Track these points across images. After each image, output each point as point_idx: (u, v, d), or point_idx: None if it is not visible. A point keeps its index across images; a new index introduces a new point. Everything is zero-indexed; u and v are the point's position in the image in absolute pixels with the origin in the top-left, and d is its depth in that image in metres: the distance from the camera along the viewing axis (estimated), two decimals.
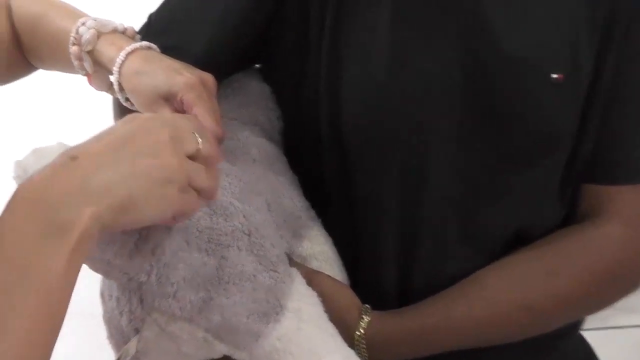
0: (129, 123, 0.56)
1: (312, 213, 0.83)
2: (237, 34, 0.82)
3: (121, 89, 0.76)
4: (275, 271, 0.70)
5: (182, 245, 0.65)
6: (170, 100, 0.73)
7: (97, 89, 0.81)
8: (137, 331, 0.67)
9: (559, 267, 0.80)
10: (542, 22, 0.77)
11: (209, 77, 0.75)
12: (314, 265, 0.81)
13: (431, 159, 0.79)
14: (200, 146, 0.59)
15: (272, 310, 0.67)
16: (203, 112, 0.72)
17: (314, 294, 0.73)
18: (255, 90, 0.88)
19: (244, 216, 0.70)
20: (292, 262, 0.77)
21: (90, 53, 0.78)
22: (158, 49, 0.79)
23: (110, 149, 0.54)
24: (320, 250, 0.81)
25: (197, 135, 0.59)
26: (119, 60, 0.75)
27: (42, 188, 0.50)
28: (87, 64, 0.78)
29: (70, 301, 0.50)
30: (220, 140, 0.73)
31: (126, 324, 0.67)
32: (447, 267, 0.82)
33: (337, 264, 0.83)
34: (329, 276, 0.79)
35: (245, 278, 0.67)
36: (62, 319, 0.49)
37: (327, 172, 0.83)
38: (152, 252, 0.64)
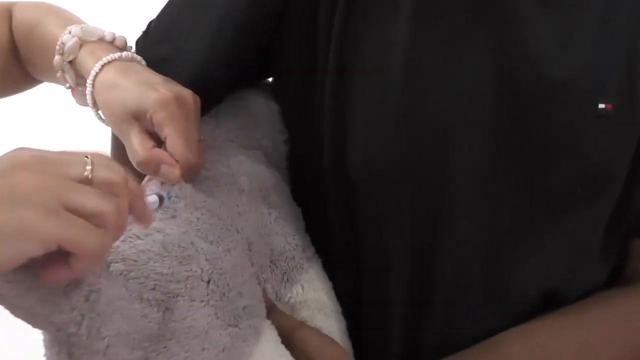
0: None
1: (310, 253, 0.73)
2: (235, 45, 0.72)
3: (95, 103, 0.68)
4: (236, 326, 0.60)
5: (121, 293, 0.56)
6: (140, 119, 0.64)
7: (79, 104, 0.73)
8: None
9: (597, 342, 0.65)
10: (590, 44, 0.64)
11: (188, 95, 0.66)
12: (304, 314, 0.70)
13: (451, 200, 0.66)
14: (89, 173, 0.49)
15: None
16: (172, 134, 0.63)
17: (285, 354, 0.63)
18: (261, 109, 0.78)
19: (206, 259, 0.61)
20: (272, 312, 0.66)
21: (72, 63, 0.71)
22: (142, 61, 0.70)
23: None
24: (313, 297, 0.71)
25: (90, 161, 0.49)
26: (93, 71, 0.67)
27: None
28: (69, 76, 0.71)
29: None
30: (192, 167, 0.64)
31: None
32: (464, 327, 0.69)
33: (334, 313, 0.72)
34: (316, 331, 0.68)
35: (193, 335, 0.57)
36: None
37: (329, 208, 0.72)
38: (85, 298, 0.55)
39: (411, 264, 0.68)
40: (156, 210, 0.61)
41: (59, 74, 0.71)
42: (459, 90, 0.65)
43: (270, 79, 0.80)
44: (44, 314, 0.54)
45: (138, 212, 0.55)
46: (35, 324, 0.55)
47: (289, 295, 0.70)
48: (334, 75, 0.68)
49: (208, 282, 0.60)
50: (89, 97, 0.68)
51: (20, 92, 0.86)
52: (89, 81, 0.67)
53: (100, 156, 0.51)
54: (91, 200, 0.48)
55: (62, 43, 0.70)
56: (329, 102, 0.68)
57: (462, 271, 0.68)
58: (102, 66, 0.67)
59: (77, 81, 0.72)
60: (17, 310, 0.54)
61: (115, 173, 0.51)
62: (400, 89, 0.65)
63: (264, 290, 0.68)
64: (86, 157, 0.49)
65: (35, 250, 0.46)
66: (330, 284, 0.73)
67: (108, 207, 0.48)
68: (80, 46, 0.70)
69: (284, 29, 0.71)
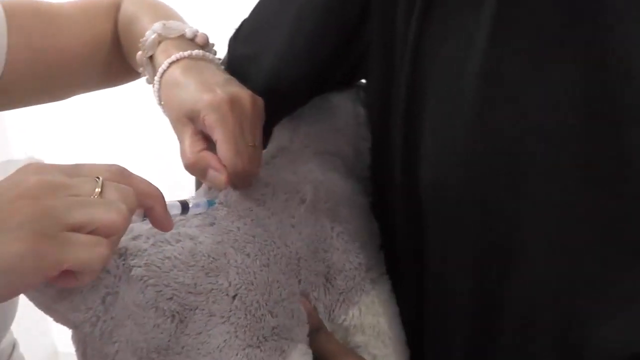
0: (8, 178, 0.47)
1: (376, 274, 0.67)
2: (315, 37, 0.67)
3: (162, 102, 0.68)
4: (257, 347, 0.56)
5: (138, 299, 0.54)
6: (195, 120, 0.62)
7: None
8: None
9: None
10: None
11: (245, 97, 0.62)
12: (358, 340, 0.64)
13: (524, 235, 0.57)
14: (99, 189, 0.47)
15: None
16: (222, 137, 0.60)
17: None
18: (346, 114, 0.73)
19: (237, 273, 0.57)
20: (318, 333, 0.61)
21: (151, 59, 0.70)
22: (215, 60, 0.68)
23: None
24: (371, 322, 0.65)
25: (100, 182, 0.48)
26: (161, 69, 0.67)
27: None
28: (147, 71, 0.71)
29: None
30: (241, 173, 0.61)
31: None
32: None
33: (393, 342, 0.65)
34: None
35: (206, 351, 0.54)
36: None
37: (398, 228, 0.65)
38: (102, 300, 0.54)
39: (475, 301, 0.59)
40: (182, 215, 0.59)
41: (141, 69, 0.71)
42: (542, 108, 0.55)
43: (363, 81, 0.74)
44: (61, 311, 0.54)
45: (155, 217, 0.53)
46: (55, 319, 0.56)
47: (343, 317, 0.64)
48: (407, 82, 0.61)
49: (234, 297, 0.56)
50: (155, 95, 0.67)
51: (124, 83, 0.88)
52: (156, 78, 0.67)
53: (113, 173, 0.49)
54: (94, 214, 0.46)
55: (145, 39, 0.70)
56: (401, 112, 0.62)
57: (532, 320, 0.58)
58: (170, 64, 0.66)
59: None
60: (38, 305, 0.54)
61: (124, 192, 0.49)
62: (473, 103, 0.57)
63: (315, 310, 0.63)
64: (97, 178, 0.48)
65: (36, 281, 0.46)
66: (396, 309, 0.66)
67: (111, 217, 0.47)
68: (159, 42, 0.69)
69: (367, 26, 0.66)
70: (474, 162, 0.57)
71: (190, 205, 0.59)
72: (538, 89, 0.55)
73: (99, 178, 0.48)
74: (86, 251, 0.46)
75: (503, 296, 0.58)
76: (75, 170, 0.49)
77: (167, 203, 0.58)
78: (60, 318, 0.55)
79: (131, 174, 0.51)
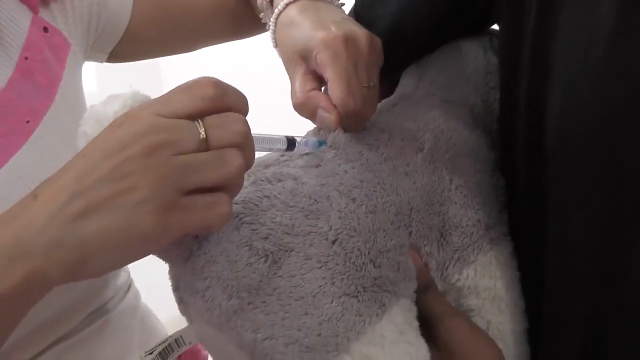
0: (100, 141, 0.46)
1: (497, 233, 0.61)
2: None
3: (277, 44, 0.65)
4: (355, 297, 0.52)
5: (233, 236, 0.52)
6: (308, 59, 0.59)
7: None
8: None
9: None
10: None
11: (361, 35, 0.58)
12: (472, 303, 0.59)
13: None
14: (203, 141, 0.45)
15: (323, 347, 0.50)
16: (333, 76, 0.57)
17: (416, 343, 0.53)
18: (476, 62, 0.67)
19: (339, 217, 0.54)
20: (427, 292, 0.57)
21: (271, 4, 0.68)
22: (336, 1, 0.65)
23: (70, 183, 0.44)
24: (487, 285, 0.59)
25: (200, 123, 0.45)
26: (277, 10, 0.64)
27: None
28: (267, 16, 0.68)
29: None
30: (353, 114, 0.57)
31: None
32: None
33: (510, 309, 0.59)
34: (471, 324, 0.56)
35: (298, 295, 0.51)
36: None
37: (519, 185, 0.59)
38: (195, 235, 0.53)
39: (598, 267, 0.52)
40: (288, 152, 0.56)
41: (262, 14, 0.69)
42: None
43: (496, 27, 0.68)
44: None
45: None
46: (155, 254, 0.55)
47: (456, 276, 0.59)
48: (535, 25, 0.54)
49: (333, 242, 0.53)
50: (271, 37, 0.65)
51: (252, 35, 0.86)
52: (272, 19, 0.64)
53: (207, 100, 0.46)
54: (209, 175, 0.45)
55: None
56: (528, 57, 0.55)
57: None
58: (287, 4, 0.63)
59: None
60: None
61: (229, 128, 0.46)
62: (605, 46, 0.49)
63: (426, 265, 0.58)
64: (197, 121, 0.46)
65: (161, 246, 0.45)
66: (515, 274, 0.60)
67: (226, 173, 0.46)
68: None
69: None
70: (604, 112, 0.49)
71: (297, 143, 0.56)
72: None
73: (199, 122, 0.45)
74: (207, 213, 0.45)
75: (630, 263, 0.50)
76: (167, 108, 0.46)
77: (272, 137, 0.55)
78: (156, 252, 0.54)
79: (225, 88, 0.47)
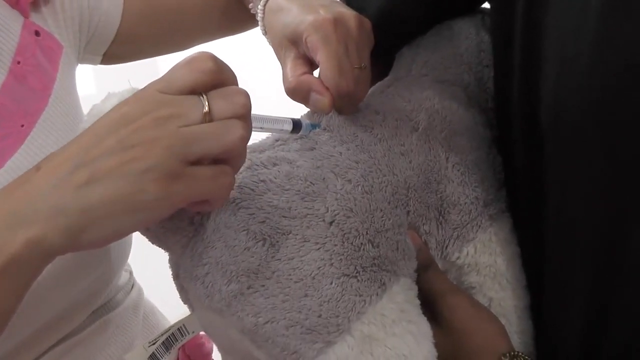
0: (105, 117, 0.46)
1: (495, 210, 0.60)
2: None
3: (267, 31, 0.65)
4: (354, 277, 0.52)
5: (230, 221, 0.52)
6: (298, 43, 0.59)
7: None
8: None
9: None
10: None
11: (350, 17, 0.58)
12: (473, 280, 0.59)
13: None
14: (207, 115, 0.45)
15: (324, 328, 0.50)
16: (324, 58, 0.57)
17: (417, 321, 0.52)
18: (469, 41, 0.66)
19: (335, 199, 0.53)
20: (428, 270, 0.56)
21: None
22: None
23: (75, 156, 0.44)
24: (487, 261, 0.59)
25: (204, 97, 0.46)
26: None
27: None
28: (255, 6, 0.68)
29: None
30: (346, 96, 0.57)
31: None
32: None
33: (511, 286, 0.59)
34: (472, 301, 0.56)
35: (297, 277, 0.51)
36: None
37: (516, 159, 0.58)
38: (191, 221, 0.53)
39: (599, 237, 0.51)
40: (285, 136, 0.56)
41: (250, 5, 0.69)
42: None
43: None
44: (154, 231, 0.53)
45: None
46: (150, 241, 0.55)
47: (456, 254, 0.59)
48: None
49: (330, 223, 0.52)
50: (260, 24, 0.65)
51: (243, 31, 0.86)
52: (260, 6, 0.64)
53: (208, 73, 0.47)
54: (213, 144, 0.45)
55: None
56: (520, 28, 0.55)
57: None
58: None
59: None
60: None
61: (232, 101, 0.47)
62: (600, 14, 0.48)
63: (426, 244, 0.58)
64: (201, 95, 0.46)
65: (165, 216, 0.46)
66: (516, 250, 0.60)
67: (229, 142, 0.46)
68: None
69: None
70: (599, 80, 0.49)
71: (302, 124, 0.56)
72: None
73: (203, 96, 0.46)
74: (211, 183, 0.46)
75: (631, 232, 0.49)
76: (170, 85, 0.47)
77: (278, 118, 0.55)
78: (154, 240, 0.54)
79: (221, 62, 0.48)
